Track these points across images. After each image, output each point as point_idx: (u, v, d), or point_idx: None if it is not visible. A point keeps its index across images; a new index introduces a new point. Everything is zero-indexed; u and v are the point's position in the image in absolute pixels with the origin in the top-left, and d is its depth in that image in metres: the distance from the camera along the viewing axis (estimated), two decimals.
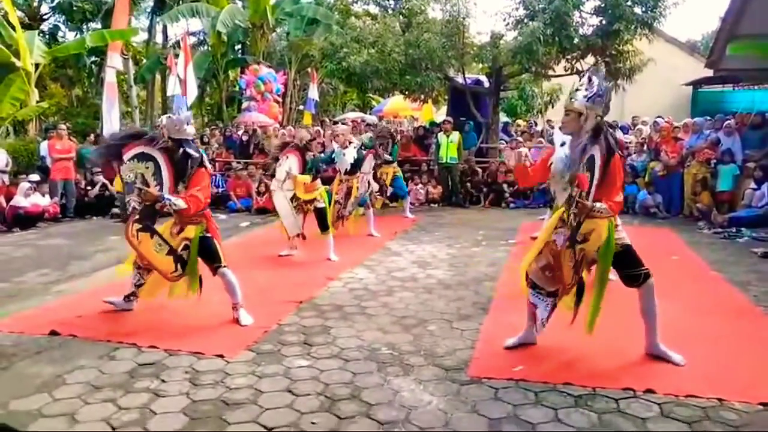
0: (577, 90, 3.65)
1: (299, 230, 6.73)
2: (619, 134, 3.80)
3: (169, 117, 4.61)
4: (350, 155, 7.35)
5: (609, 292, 3.79)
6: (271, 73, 16.01)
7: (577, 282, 3.75)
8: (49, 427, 3.03)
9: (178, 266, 4.46)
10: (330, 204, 7.10)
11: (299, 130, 8.42)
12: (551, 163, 3.85)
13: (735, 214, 8.78)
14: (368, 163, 8.09)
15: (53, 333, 4.30)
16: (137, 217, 4.43)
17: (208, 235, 4.55)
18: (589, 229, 3.63)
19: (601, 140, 3.50)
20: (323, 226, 6.71)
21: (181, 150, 4.45)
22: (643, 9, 11.15)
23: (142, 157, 4.41)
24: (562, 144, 3.79)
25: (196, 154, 4.52)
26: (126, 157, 4.41)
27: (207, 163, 4.67)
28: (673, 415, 3.10)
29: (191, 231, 4.46)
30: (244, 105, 15.46)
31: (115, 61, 12.86)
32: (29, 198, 9.49)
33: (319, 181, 6.77)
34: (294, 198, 6.64)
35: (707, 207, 9.19)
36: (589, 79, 3.64)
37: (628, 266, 3.67)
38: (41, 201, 9.71)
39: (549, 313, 3.84)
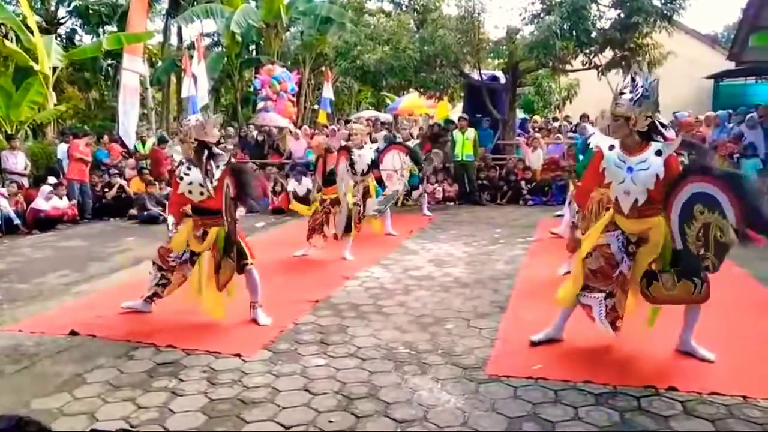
0: (621, 93, 3.52)
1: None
2: (670, 132, 3.66)
3: (197, 119, 4.59)
4: (366, 156, 7.31)
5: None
6: (285, 73, 16.04)
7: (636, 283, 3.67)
8: (69, 426, 3.05)
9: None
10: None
11: (332, 138, 8.38)
12: (604, 168, 3.67)
13: None
14: (392, 160, 7.93)
15: (73, 333, 4.34)
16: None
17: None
18: (643, 229, 3.58)
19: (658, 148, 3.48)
20: (347, 228, 6.67)
21: (206, 151, 4.44)
22: (663, 1, 10.99)
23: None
24: (611, 147, 3.64)
25: (223, 153, 4.51)
26: None
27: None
28: (696, 413, 3.05)
29: (215, 232, 4.44)
30: (260, 105, 15.49)
31: (137, 65, 13.00)
32: (50, 201, 9.61)
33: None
34: (322, 201, 6.64)
35: None
36: (633, 80, 3.52)
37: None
38: (61, 204, 9.82)
39: (606, 314, 3.66)
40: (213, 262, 4.44)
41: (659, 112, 3.57)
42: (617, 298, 3.65)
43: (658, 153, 3.49)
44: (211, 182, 4.37)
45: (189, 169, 4.44)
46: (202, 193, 4.41)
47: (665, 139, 3.55)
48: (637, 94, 3.45)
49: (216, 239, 4.45)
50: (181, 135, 4.54)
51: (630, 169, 3.53)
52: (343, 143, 6.69)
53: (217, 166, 4.40)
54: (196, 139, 4.42)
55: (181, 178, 4.45)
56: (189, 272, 4.65)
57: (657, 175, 3.46)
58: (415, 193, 10.03)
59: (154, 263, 4.74)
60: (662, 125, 3.60)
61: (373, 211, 7.80)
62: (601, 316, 3.66)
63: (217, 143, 4.62)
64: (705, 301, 3.52)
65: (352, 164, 6.74)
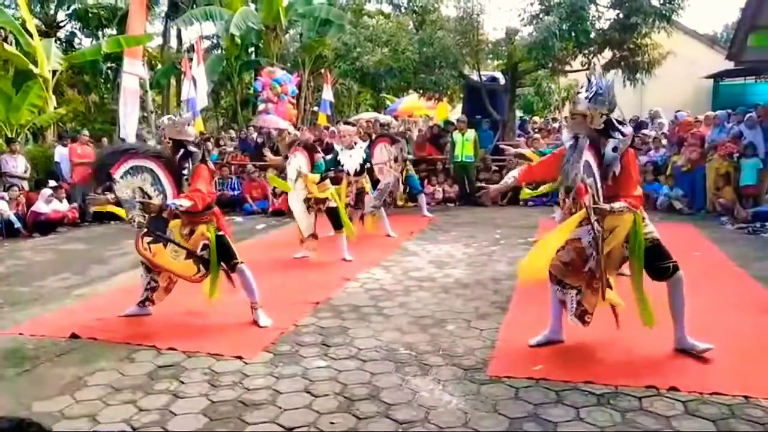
0: (578, 93, 3.72)
1: (312, 230, 6.71)
2: (627, 129, 3.74)
3: (170, 118, 4.65)
4: (357, 156, 7.32)
5: (626, 290, 3.74)
6: (286, 75, 16.05)
7: (606, 280, 3.69)
8: (71, 429, 3.05)
9: (201, 267, 4.47)
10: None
11: (303, 133, 8.45)
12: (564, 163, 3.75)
13: (759, 208, 8.62)
14: (380, 153, 8.02)
15: (74, 336, 4.34)
16: (145, 230, 4.40)
17: (221, 233, 4.55)
18: (612, 226, 3.60)
19: (601, 140, 3.58)
20: (337, 225, 6.68)
21: (182, 150, 4.47)
22: (661, 1, 11.01)
23: (135, 171, 4.34)
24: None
25: (197, 150, 4.54)
26: (117, 175, 4.30)
27: (208, 160, 4.68)
28: (698, 413, 3.04)
29: (203, 230, 4.45)
30: (261, 107, 15.49)
31: (137, 68, 12.99)
32: (50, 204, 9.62)
33: (328, 181, 6.74)
34: (307, 199, 6.63)
35: (730, 202, 9.03)
36: (588, 80, 3.70)
37: (657, 259, 3.65)
38: (61, 207, 9.82)
39: (575, 308, 3.76)
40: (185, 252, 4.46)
41: (613, 110, 3.68)
42: (584, 293, 3.74)
43: (614, 149, 3.59)
44: (187, 180, 4.42)
45: None
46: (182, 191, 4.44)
47: (623, 135, 3.62)
48: (591, 93, 3.59)
49: (203, 236, 4.45)
50: (159, 136, 4.58)
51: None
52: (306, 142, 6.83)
53: (193, 163, 4.46)
54: (171, 139, 4.48)
55: None
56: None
57: (614, 171, 3.57)
58: (420, 198, 10.07)
59: (142, 263, 4.71)
60: (619, 122, 3.71)
61: (371, 208, 7.82)
62: (571, 311, 3.79)
63: (195, 142, 4.64)
64: None
65: (313, 163, 6.70)
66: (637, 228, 3.60)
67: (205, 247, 4.47)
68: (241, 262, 4.56)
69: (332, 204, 6.65)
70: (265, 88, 15.38)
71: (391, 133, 8.59)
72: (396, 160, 8.52)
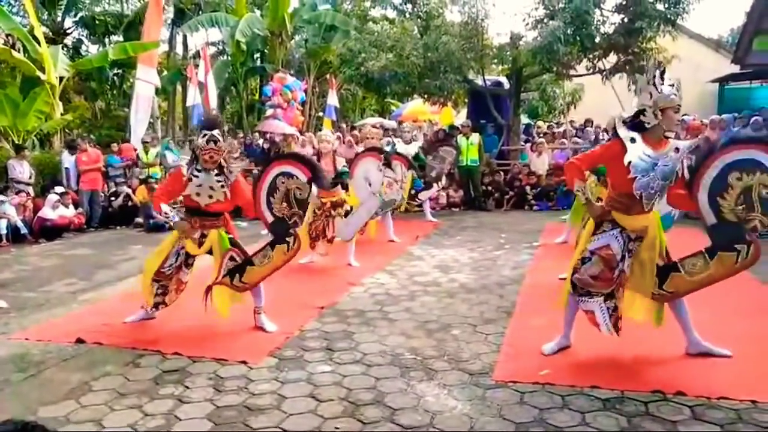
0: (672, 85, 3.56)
1: (330, 234, 6.71)
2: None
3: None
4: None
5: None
6: (296, 82, 16.10)
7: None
8: None
9: (277, 245, 4.46)
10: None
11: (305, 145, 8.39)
12: (629, 162, 3.51)
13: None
14: (395, 168, 7.94)
15: (79, 341, 4.35)
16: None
17: (231, 236, 4.59)
18: (644, 226, 3.60)
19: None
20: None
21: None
22: (666, 5, 10.99)
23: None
24: (632, 140, 3.53)
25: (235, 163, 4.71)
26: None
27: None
28: (705, 417, 3.02)
29: (215, 235, 4.47)
30: (268, 112, 15.53)
31: (152, 76, 13.07)
32: (56, 210, 9.67)
33: (339, 186, 6.75)
34: (321, 204, 6.62)
35: None
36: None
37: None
38: (67, 212, 9.88)
39: (609, 316, 3.66)
40: (218, 266, 4.47)
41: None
42: (617, 297, 3.67)
43: (676, 150, 3.55)
44: (226, 186, 4.44)
45: (199, 171, 4.45)
46: (210, 197, 4.43)
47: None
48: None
49: (218, 241, 4.47)
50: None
51: (655, 165, 3.51)
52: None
53: (231, 172, 4.50)
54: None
55: (190, 179, 4.46)
56: (185, 276, 4.70)
57: (676, 172, 3.55)
58: (422, 195, 9.95)
59: (151, 276, 4.65)
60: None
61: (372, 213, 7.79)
62: (605, 321, 3.66)
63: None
64: (755, 262, 3.55)
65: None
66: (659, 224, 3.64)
67: (232, 258, 4.48)
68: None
69: (348, 207, 6.66)
70: (276, 94, 15.40)
71: (408, 158, 8.51)
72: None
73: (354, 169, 7.04)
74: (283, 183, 4.35)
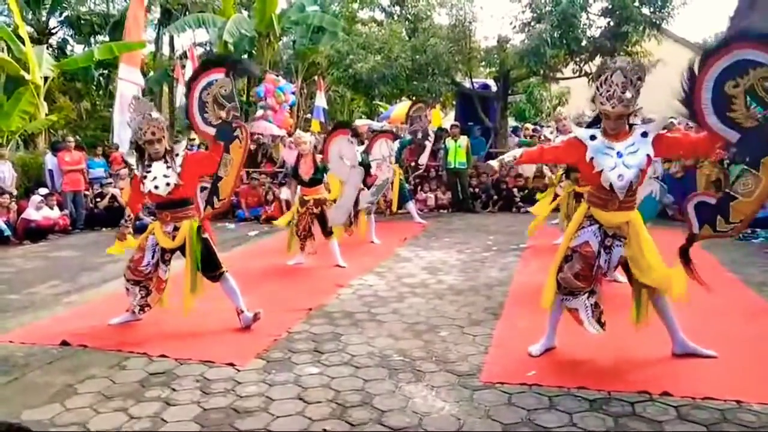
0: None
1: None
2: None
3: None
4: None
5: (621, 295, 3.75)
6: (288, 85, 16.09)
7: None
8: None
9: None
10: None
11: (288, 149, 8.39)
12: (591, 158, 3.63)
13: None
14: (380, 148, 7.99)
15: (64, 343, 4.30)
16: None
17: (206, 236, 4.54)
18: (621, 222, 3.66)
19: None
20: (328, 231, 6.65)
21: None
22: (651, 10, 11.13)
23: None
24: (592, 138, 3.67)
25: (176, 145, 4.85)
26: None
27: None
28: (690, 417, 3.05)
29: (188, 226, 4.45)
30: (259, 113, 15.46)
31: (135, 76, 12.97)
32: (40, 211, 9.55)
33: (322, 185, 6.73)
34: (304, 201, 6.59)
35: None
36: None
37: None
38: (52, 214, 9.76)
39: (592, 312, 3.72)
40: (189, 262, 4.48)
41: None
42: (597, 293, 3.74)
43: (644, 135, 3.64)
44: (175, 170, 4.44)
45: (149, 166, 4.48)
46: (168, 184, 4.42)
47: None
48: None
49: (190, 233, 4.44)
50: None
51: (620, 154, 3.60)
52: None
53: (177, 154, 4.53)
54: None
55: (145, 177, 4.46)
56: (164, 273, 4.67)
57: (647, 155, 3.60)
58: (408, 205, 10.00)
59: (128, 280, 4.65)
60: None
61: (367, 204, 7.75)
62: (588, 318, 3.72)
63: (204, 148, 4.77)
64: None
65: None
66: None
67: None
68: (225, 271, 4.57)
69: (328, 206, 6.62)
70: (269, 95, 15.36)
71: (392, 130, 8.61)
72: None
73: (327, 154, 6.86)
74: (207, 94, 4.45)
